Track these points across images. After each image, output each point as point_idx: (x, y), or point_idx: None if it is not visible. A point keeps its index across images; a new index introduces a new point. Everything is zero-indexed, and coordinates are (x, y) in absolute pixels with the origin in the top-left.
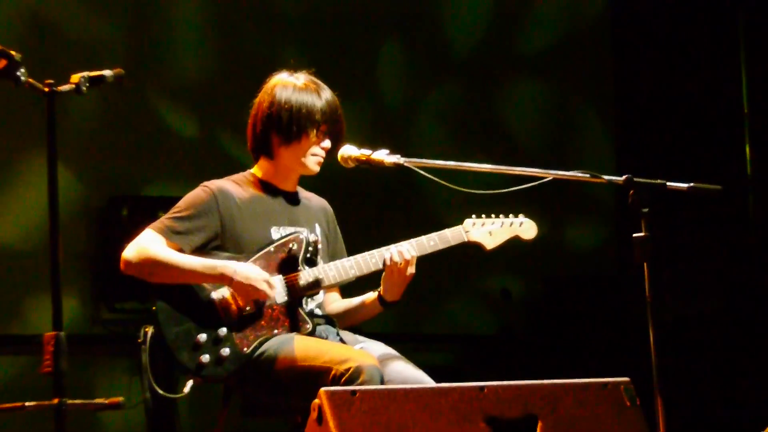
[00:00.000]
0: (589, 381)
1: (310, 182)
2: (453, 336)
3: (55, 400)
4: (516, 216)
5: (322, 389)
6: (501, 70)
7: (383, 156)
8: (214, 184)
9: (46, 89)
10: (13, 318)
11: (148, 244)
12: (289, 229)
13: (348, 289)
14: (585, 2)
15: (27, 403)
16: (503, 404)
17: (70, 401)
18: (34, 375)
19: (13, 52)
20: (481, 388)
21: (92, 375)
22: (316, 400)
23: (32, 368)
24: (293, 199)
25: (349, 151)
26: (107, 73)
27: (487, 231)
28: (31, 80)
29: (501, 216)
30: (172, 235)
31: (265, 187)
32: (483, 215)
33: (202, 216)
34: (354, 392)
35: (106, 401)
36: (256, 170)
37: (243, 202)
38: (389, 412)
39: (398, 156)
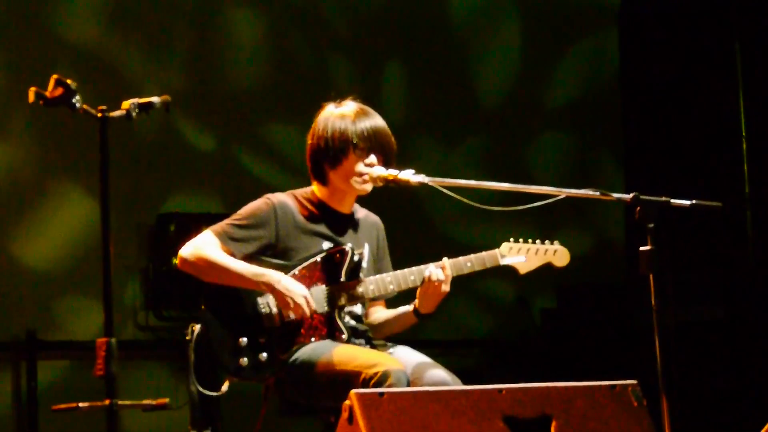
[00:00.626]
0: (600, 383)
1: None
2: (469, 341)
3: (107, 401)
4: (551, 243)
5: (353, 391)
6: (525, 120)
7: (409, 176)
8: (277, 197)
9: (99, 114)
10: (65, 325)
11: (203, 246)
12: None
13: (388, 301)
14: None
15: (81, 404)
16: (520, 405)
17: (120, 402)
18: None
19: (69, 81)
20: (500, 389)
21: (140, 378)
22: (347, 401)
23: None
24: (347, 221)
25: (377, 171)
26: (155, 99)
27: (522, 256)
28: (85, 106)
29: (537, 242)
30: (228, 240)
31: (322, 207)
32: (520, 240)
33: (260, 227)
34: (382, 394)
35: (154, 402)
36: (315, 189)
37: (300, 219)
38: (414, 411)
39: (423, 176)
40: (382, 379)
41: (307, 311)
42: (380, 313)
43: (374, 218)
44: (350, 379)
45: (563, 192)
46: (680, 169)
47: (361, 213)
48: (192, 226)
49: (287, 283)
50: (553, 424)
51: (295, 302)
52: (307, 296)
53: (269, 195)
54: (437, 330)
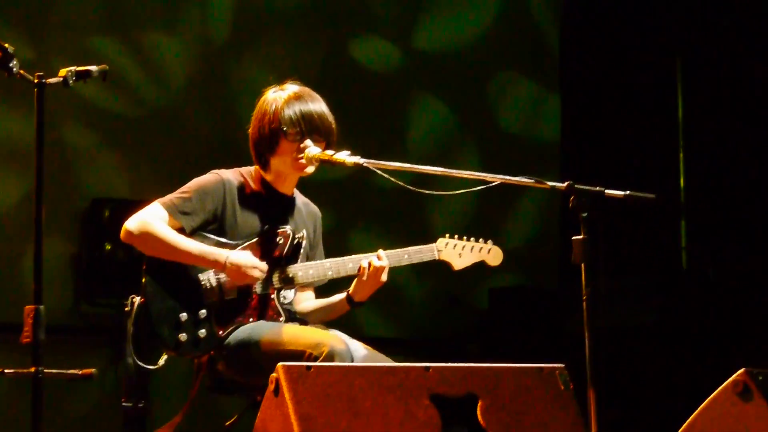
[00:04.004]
0: (528, 366)
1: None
2: (402, 340)
3: (33, 369)
4: (486, 241)
5: (280, 364)
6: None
7: (345, 156)
8: (225, 173)
9: (36, 80)
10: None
11: (151, 219)
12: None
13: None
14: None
15: (6, 370)
16: (447, 383)
17: (46, 370)
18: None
19: (6, 45)
20: (427, 368)
21: (71, 363)
22: (274, 374)
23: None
24: (289, 203)
25: (312, 151)
26: (93, 68)
27: (457, 252)
28: (22, 71)
29: (472, 239)
30: (177, 213)
31: (266, 186)
32: (456, 236)
33: (207, 200)
34: (309, 367)
35: (80, 372)
36: (259, 169)
37: (245, 196)
38: (341, 386)
39: (358, 157)
40: (327, 360)
41: (261, 278)
42: (310, 302)
43: (313, 207)
44: (294, 358)
45: (498, 178)
46: (615, 172)
47: (301, 199)
48: (127, 211)
49: (235, 257)
50: (480, 403)
51: (247, 275)
52: (258, 266)
53: (217, 171)
54: (369, 327)
